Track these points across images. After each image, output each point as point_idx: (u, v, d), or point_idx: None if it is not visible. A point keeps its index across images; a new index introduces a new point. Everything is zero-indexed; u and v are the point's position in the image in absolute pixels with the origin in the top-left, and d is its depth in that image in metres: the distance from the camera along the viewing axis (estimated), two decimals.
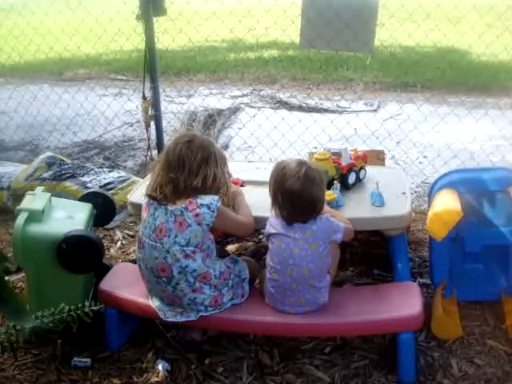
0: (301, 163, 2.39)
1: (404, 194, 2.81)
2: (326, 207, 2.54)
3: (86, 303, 2.10)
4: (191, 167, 2.35)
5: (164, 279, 2.39)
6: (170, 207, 2.36)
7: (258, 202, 2.59)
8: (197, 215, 2.33)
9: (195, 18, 6.42)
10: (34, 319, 2.05)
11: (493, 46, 6.02)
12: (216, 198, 2.38)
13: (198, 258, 2.37)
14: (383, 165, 3.57)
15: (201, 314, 2.43)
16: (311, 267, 2.36)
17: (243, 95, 7.18)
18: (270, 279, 2.45)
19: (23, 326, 1.74)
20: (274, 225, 2.44)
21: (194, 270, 2.37)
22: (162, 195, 2.38)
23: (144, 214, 2.46)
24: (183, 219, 2.33)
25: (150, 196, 2.43)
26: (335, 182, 2.76)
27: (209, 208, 2.34)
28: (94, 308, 1.98)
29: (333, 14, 3.61)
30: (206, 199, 2.35)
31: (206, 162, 2.38)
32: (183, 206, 2.34)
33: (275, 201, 2.41)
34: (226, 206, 2.50)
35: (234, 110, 6.49)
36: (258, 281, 2.65)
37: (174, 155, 2.38)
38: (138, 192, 2.85)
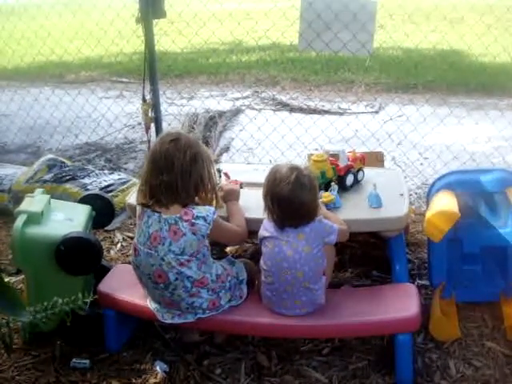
0: (292, 168, 2.37)
1: (402, 195, 2.81)
2: (322, 208, 2.54)
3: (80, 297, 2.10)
4: (182, 167, 2.31)
5: (161, 285, 2.39)
6: (163, 215, 2.33)
7: (256, 203, 2.59)
8: (192, 225, 2.31)
9: (195, 21, 6.43)
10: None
11: (492, 47, 6.02)
12: (212, 209, 2.37)
13: (193, 265, 2.36)
14: (382, 166, 3.57)
15: (199, 316, 2.43)
16: (306, 270, 2.36)
17: (244, 97, 7.18)
18: (265, 282, 2.45)
19: (19, 319, 1.73)
20: (267, 228, 2.44)
21: (190, 277, 2.37)
22: (154, 200, 2.35)
23: (138, 221, 2.46)
24: (177, 228, 2.31)
25: (142, 204, 2.42)
26: (333, 183, 2.76)
27: (205, 220, 2.33)
28: (87, 300, 1.96)
29: (331, 15, 3.62)
30: (203, 211, 2.34)
31: (195, 159, 2.34)
32: (178, 215, 2.31)
33: (266, 204, 2.41)
34: (218, 207, 2.51)
35: (235, 112, 6.49)
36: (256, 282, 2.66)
37: (161, 157, 2.33)
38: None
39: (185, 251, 2.33)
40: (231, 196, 2.68)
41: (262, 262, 2.46)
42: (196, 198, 2.41)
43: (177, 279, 2.35)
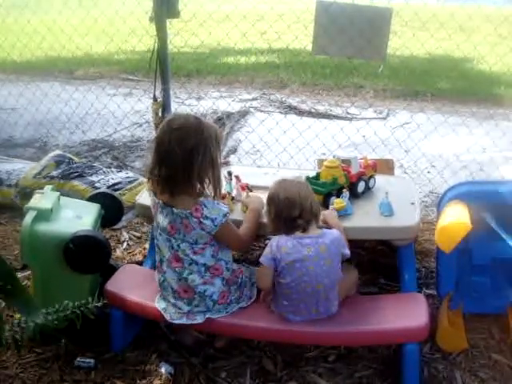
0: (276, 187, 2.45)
1: (413, 204, 2.80)
2: (335, 217, 2.53)
3: (90, 300, 2.09)
4: (181, 160, 2.30)
5: (177, 269, 2.44)
6: (175, 209, 2.36)
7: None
8: (200, 223, 2.35)
9: (208, 21, 6.42)
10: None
11: (506, 57, 5.99)
12: (223, 212, 2.37)
13: (207, 253, 2.42)
14: (392, 174, 3.55)
15: (208, 315, 2.43)
16: (326, 282, 2.36)
17: (253, 99, 7.16)
18: (281, 293, 2.41)
19: (31, 319, 1.74)
20: (285, 244, 2.36)
21: (205, 264, 2.42)
22: (165, 195, 2.39)
23: (154, 210, 2.50)
24: (188, 222, 2.36)
25: (153, 192, 2.47)
26: (344, 190, 2.75)
27: (212, 222, 2.34)
28: (98, 304, 1.96)
29: (346, 21, 3.59)
30: (213, 213, 2.35)
31: (196, 150, 2.30)
32: (188, 211, 2.34)
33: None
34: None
35: (244, 114, 6.47)
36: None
37: (163, 147, 2.33)
38: (147, 193, 2.84)
39: (198, 241, 2.40)
40: (251, 203, 2.67)
41: (279, 276, 2.40)
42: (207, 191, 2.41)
43: (191, 264, 2.42)
